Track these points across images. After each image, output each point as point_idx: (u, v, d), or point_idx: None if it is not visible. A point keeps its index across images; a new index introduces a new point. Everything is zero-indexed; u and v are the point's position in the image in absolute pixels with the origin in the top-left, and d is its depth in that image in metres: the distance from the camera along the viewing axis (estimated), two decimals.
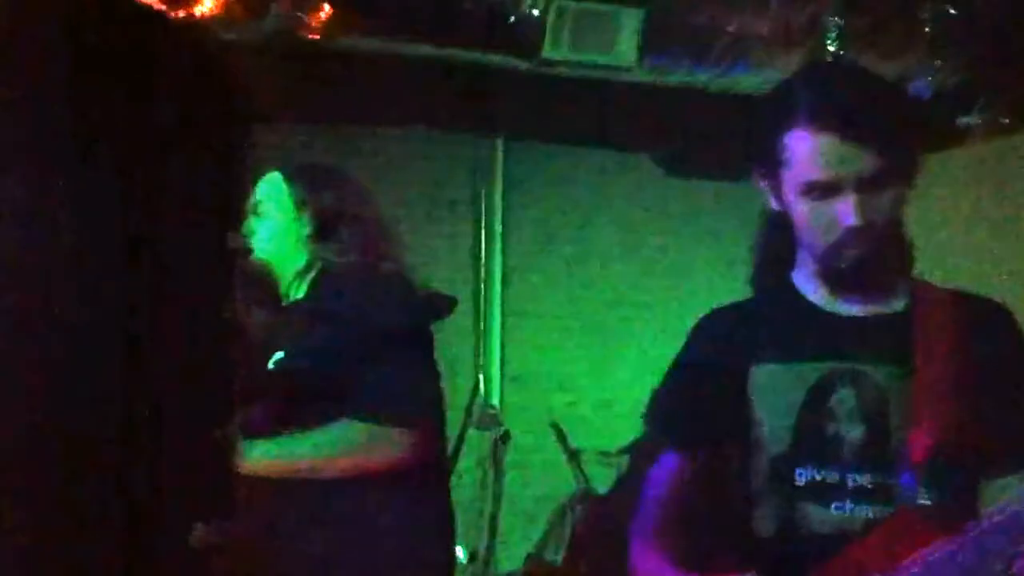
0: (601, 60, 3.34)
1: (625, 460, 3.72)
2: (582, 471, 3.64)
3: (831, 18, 3.24)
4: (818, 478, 1.42)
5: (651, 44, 3.34)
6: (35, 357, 0.44)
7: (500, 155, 3.88)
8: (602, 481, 3.68)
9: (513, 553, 3.70)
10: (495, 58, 3.26)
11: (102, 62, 0.47)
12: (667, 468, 1.57)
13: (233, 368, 0.54)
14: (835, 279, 1.48)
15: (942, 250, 3.85)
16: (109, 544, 0.45)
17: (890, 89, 1.56)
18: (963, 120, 3.52)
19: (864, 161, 1.39)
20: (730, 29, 3.34)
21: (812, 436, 1.45)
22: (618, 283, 3.94)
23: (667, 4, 3.33)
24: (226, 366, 0.53)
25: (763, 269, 1.58)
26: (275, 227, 2.10)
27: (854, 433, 1.43)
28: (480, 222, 3.81)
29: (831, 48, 3.22)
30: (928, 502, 1.37)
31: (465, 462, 3.38)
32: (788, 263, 1.55)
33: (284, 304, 2.10)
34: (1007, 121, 3.47)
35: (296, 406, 1.98)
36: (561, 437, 3.63)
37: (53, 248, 0.45)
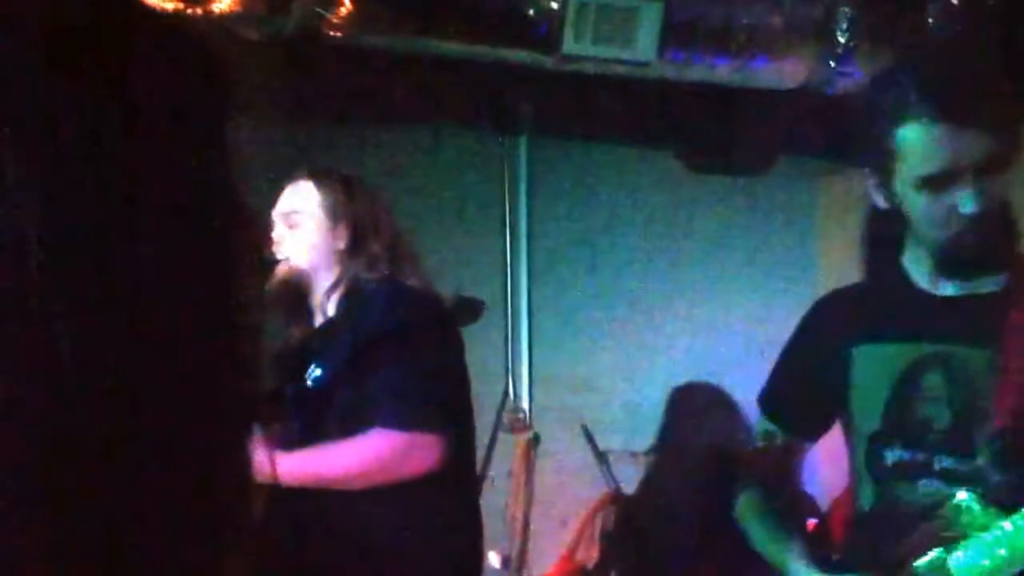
0: (621, 55, 3.31)
1: (653, 460, 3.70)
2: (611, 472, 3.62)
3: (844, 9, 3.20)
4: (906, 458, 1.44)
5: (670, 38, 3.31)
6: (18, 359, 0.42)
7: (524, 154, 3.85)
8: (631, 482, 3.65)
9: (545, 556, 3.66)
10: (515, 54, 3.24)
11: (83, 53, 0.44)
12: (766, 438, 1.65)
13: (255, 380, 0.51)
14: (949, 266, 1.48)
15: None
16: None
17: (995, 67, 1.56)
18: None
19: (982, 148, 1.37)
20: (746, 22, 3.30)
21: (902, 417, 1.47)
22: (644, 281, 3.90)
23: None
24: (246, 378, 0.50)
25: (872, 254, 1.61)
26: (308, 238, 2.07)
27: (941, 415, 1.44)
28: (505, 223, 3.78)
29: (842, 40, 3.18)
30: (1000, 480, 1.38)
31: (496, 467, 3.35)
32: (898, 248, 1.55)
33: (317, 321, 2.08)
34: None
35: (333, 421, 1.97)
36: (590, 438, 3.61)
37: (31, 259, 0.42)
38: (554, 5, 3.12)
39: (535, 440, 3.40)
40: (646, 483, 3.67)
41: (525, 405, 3.68)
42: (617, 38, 3.26)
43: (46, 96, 0.42)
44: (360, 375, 1.95)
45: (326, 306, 2.09)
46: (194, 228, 0.46)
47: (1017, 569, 1.33)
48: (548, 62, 3.26)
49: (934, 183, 1.40)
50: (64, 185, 0.42)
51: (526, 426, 3.45)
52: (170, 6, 2.54)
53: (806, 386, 1.60)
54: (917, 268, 1.54)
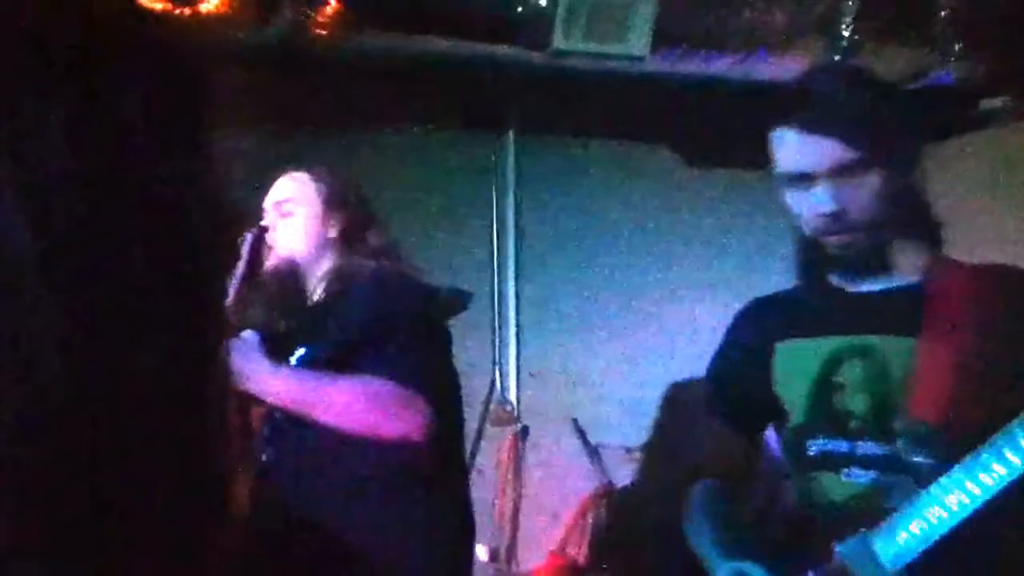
0: (613, 51, 3.31)
1: (645, 456, 3.71)
2: (603, 467, 3.62)
3: (847, 3, 3.20)
4: (829, 448, 1.50)
5: (664, 34, 3.30)
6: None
7: (512, 150, 3.85)
8: (623, 477, 3.66)
9: (535, 551, 3.67)
10: (505, 51, 3.24)
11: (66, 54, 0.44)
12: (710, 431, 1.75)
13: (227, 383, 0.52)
14: (830, 263, 1.60)
15: (971, 234, 3.80)
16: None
17: (880, 87, 1.72)
18: (986, 105, 3.48)
19: (833, 152, 1.51)
20: (745, 17, 3.30)
21: (824, 408, 1.55)
22: (634, 277, 3.90)
23: None
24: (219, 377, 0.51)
25: (800, 260, 1.71)
26: (301, 227, 2.09)
27: (861, 403, 1.50)
28: (494, 219, 3.79)
29: (846, 34, 3.18)
30: (921, 462, 1.42)
31: (484, 460, 3.36)
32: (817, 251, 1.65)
33: (306, 305, 2.09)
34: None
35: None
36: (581, 433, 3.61)
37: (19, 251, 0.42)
38: (543, 2, 3.12)
39: (523, 433, 3.41)
40: (638, 478, 3.68)
41: (513, 398, 3.69)
42: (609, 33, 3.26)
43: (30, 98, 0.43)
44: (344, 359, 1.95)
45: (318, 293, 2.10)
46: (176, 231, 0.46)
47: (936, 536, 1.38)
48: (539, 58, 3.27)
49: (794, 182, 1.56)
50: (46, 189, 0.42)
51: (513, 419, 3.45)
52: (158, 7, 2.54)
53: (737, 384, 1.70)
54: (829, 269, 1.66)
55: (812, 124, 1.53)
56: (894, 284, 1.59)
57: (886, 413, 1.50)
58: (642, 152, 3.97)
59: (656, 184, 4.01)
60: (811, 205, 1.54)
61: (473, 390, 3.24)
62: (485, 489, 3.44)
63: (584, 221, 3.89)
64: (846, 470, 1.52)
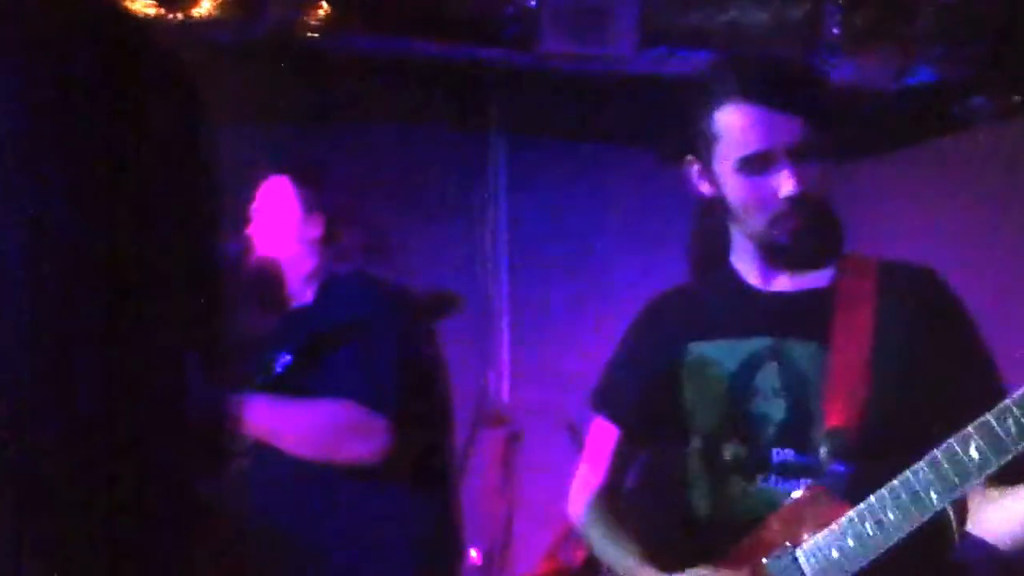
0: (599, 51, 3.32)
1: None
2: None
3: (831, 1, 3.21)
4: (743, 454, 1.43)
5: (649, 34, 3.32)
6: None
7: (501, 151, 3.85)
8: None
9: (528, 555, 3.66)
10: (492, 53, 3.25)
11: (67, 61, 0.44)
12: (600, 435, 1.62)
13: (230, 374, 0.52)
14: (773, 255, 1.49)
15: (950, 233, 3.82)
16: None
17: (808, 70, 1.63)
18: (968, 104, 3.50)
19: (794, 130, 1.42)
20: (730, 16, 3.31)
21: (738, 413, 1.46)
22: (624, 277, 3.90)
23: None
24: (224, 373, 0.51)
25: (700, 255, 1.61)
26: (282, 229, 2.12)
27: (777, 409, 1.43)
28: (483, 220, 3.79)
29: (835, 31, 3.19)
30: (842, 472, 1.37)
31: (476, 462, 3.35)
32: (725, 247, 1.57)
33: (292, 308, 2.11)
34: (1019, 99, 3.45)
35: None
36: (576, 436, 3.60)
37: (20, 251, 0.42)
38: (531, 3, 3.13)
39: (515, 436, 3.40)
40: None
41: (505, 400, 3.69)
42: (594, 34, 3.27)
43: (27, 96, 0.43)
44: (323, 362, 1.97)
45: (302, 295, 2.13)
46: (171, 223, 0.46)
47: (868, 558, 1.32)
48: (525, 59, 3.27)
49: (751, 164, 1.43)
50: (43, 185, 0.42)
51: (505, 421, 3.45)
52: (151, 11, 2.54)
53: (638, 386, 1.57)
54: (746, 266, 1.54)
55: (775, 97, 1.41)
56: (807, 285, 1.50)
57: (803, 420, 1.42)
58: (629, 152, 3.98)
59: (644, 184, 4.01)
60: (771, 189, 1.41)
61: (465, 392, 3.23)
62: (477, 491, 3.43)
63: (572, 221, 3.90)
64: (761, 476, 1.43)
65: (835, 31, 3.22)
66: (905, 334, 1.43)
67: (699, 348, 1.52)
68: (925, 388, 1.39)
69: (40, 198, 0.42)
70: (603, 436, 1.64)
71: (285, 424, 1.93)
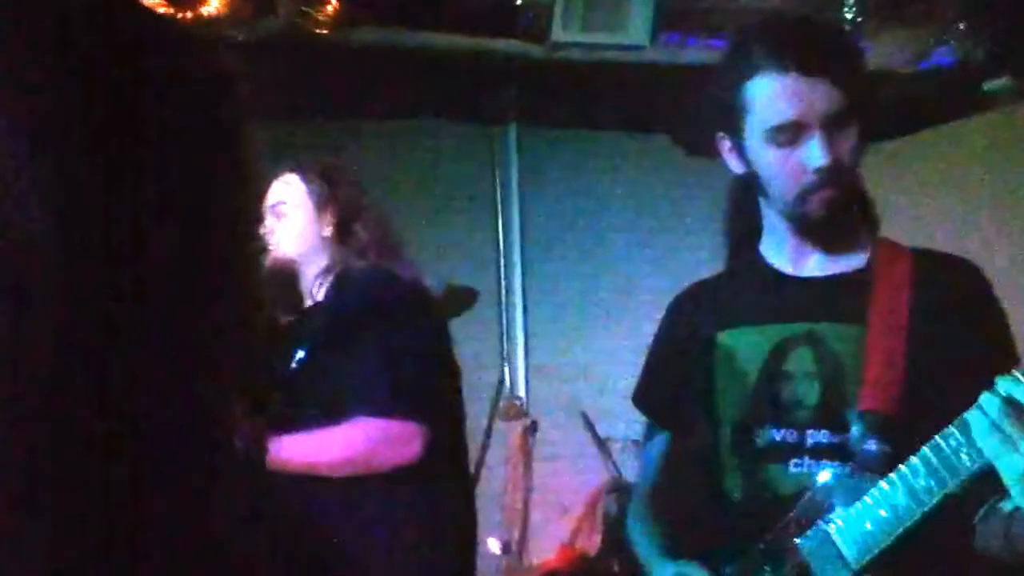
0: (612, 41, 3.30)
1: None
2: (612, 460, 3.62)
3: None
4: (777, 438, 1.43)
5: (664, 22, 3.29)
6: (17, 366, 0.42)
7: (514, 143, 3.84)
8: (633, 469, 3.66)
9: (546, 543, 3.67)
10: (505, 44, 3.23)
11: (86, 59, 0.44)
12: (658, 448, 1.61)
13: (257, 367, 0.52)
14: (805, 229, 1.48)
15: (969, 216, 3.78)
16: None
17: (842, 34, 1.58)
18: (990, 85, 3.46)
19: (828, 97, 1.39)
20: (743, 3, 3.28)
21: (771, 398, 1.45)
22: (638, 268, 3.90)
23: None
24: (251, 365, 0.51)
25: (734, 244, 1.60)
26: (295, 227, 2.12)
27: (811, 392, 1.43)
28: (497, 212, 3.78)
29: (849, 17, 3.16)
30: (875, 451, 1.37)
31: (494, 454, 3.36)
32: (755, 234, 1.56)
33: (306, 305, 2.12)
34: None
35: (316, 404, 1.99)
36: (590, 427, 3.60)
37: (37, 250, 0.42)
38: None
39: (532, 427, 3.40)
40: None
41: (521, 393, 3.69)
42: (608, 24, 3.25)
43: (52, 97, 0.43)
44: (341, 359, 1.97)
45: (316, 292, 2.13)
46: (201, 222, 0.46)
47: (902, 528, 1.32)
48: (538, 51, 3.25)
49: (783, 133, 1.40)
50: (74, 186, 0.42)
51: (522, 413, 3.45)
52: (161, 10, 2.55)
53: (673, 379, 1.58)
54: (776, 253, 1.53)
55: (809, 65, 1.37)
56: (840, 269, 1.49)
57: (837, 402, 1.42)
58: (643, 142, 3.96)
59: (658, 174, 4.00)
60: (803, 159, 1.39)
61: (482, 385, 3.23)
62: (495, 483, 3.44)
63: (587, 213, 3.88)
64: (796, 460, 1.43)
65: (853, 15, 3.18)
66: (943, 323, 1.43)
67: (730, 336, 1.52)
68: (960, 378, 1.38)
69: (68, 194, 0.43)
70: (648, 436, 1.65)
71: (319, 456, 1.95)
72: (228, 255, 0.48)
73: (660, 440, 1.61)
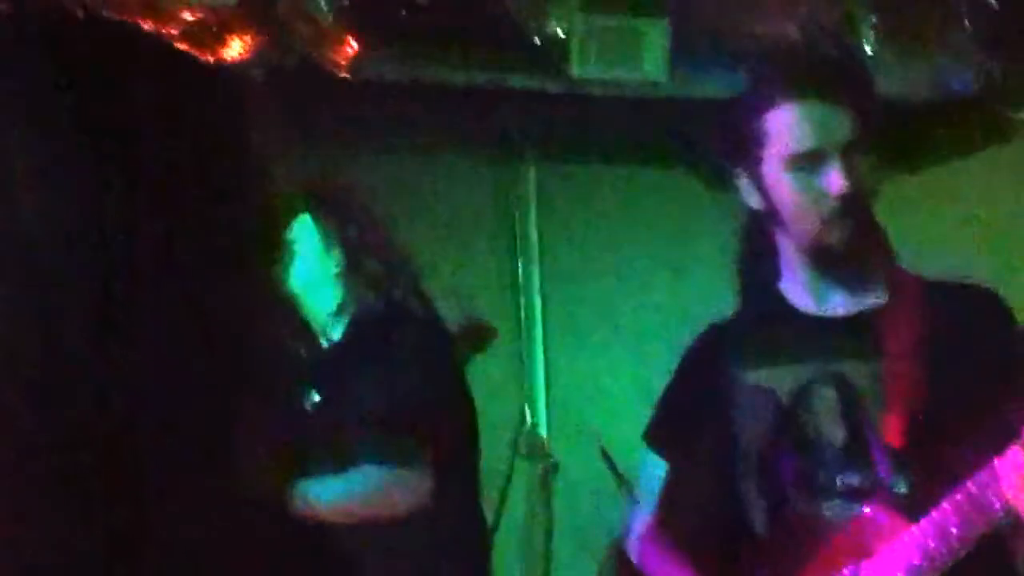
0: (629, 76, 3.31)
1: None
2: (633, 496, 3.57)
3: (865, 14, 3.17)
4: (805, 479, 1.42)
5: (680, 55, 3.30)
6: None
7: (532, 178, 3.85)
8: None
9: None
10: (523, 80, 3.25)
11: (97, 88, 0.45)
12: (657, 475, 1.62)
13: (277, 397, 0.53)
14: (824, 262, 1.48)
15: (998, 245, 3.75)
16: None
17: (855, 63, 1.62)
18: (1011, 115, 3.44)
19: (846, 124, 1.40)
20: (758, 32, 3.28)
21: (797, 438, 1.44)
22: (657, 301, 3.87)
23: (691, 12, 3.30)
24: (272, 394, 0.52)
25: (749, 281, 1.60)
26: (307, 265, 2.13)
27: (837, 433, 1.42)
28: (515, 248, 3.78)
29: (867, 47, 3.15)
30: (904, 491, 1.36)
31: (515, 492, 3.32)
32: (773, 273, 1.55)
33: (322, 344, 2.11)
34: None
35: (328, 447, 1.98)
36: (610, 463, 3.56)
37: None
38: (559, 31, 3.13)
39: (554, 467, 3.37)
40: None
41: (543, 431, 3.66)
42: (624, 59, 3.26)
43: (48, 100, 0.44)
44: (351, 403, 1.97)
45: (330, 331, 2.12)
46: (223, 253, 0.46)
47: (936, 574, 1.31)
48: (556, 86, 3.27)
49: (803, 161, 1.41)
50: (73, 186, 0.44)
51: (544, 451, 3.42)
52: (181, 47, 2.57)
53: (692, 419, 1.57)
54: (796, 288, 1.53)
55: (827, 92, 1.39)
56: (861, 307, 1.49)
57: (864, 440, 1.42)
58: (661, 175, 3.96)
59: (676, 207, 3.99)
60: (821, 188, 1.40)
61: (502, 422, 3.20)
62: (517, 522, 3.40)
63: (606, 247, 3.87)
64: (826, 500, 1.43)
65: (870, 48, 3.17)
66: (963, 353, 1.42)
67: (752, 377, 1.50)
68: (982, 407, 1.36)
69: (95, 199, 0.44)
70: (657, 474, 1.63)
71: (317, 505, 1.94)
72: (237, 262, 0.48)
73: (658, 465, 1.60)
